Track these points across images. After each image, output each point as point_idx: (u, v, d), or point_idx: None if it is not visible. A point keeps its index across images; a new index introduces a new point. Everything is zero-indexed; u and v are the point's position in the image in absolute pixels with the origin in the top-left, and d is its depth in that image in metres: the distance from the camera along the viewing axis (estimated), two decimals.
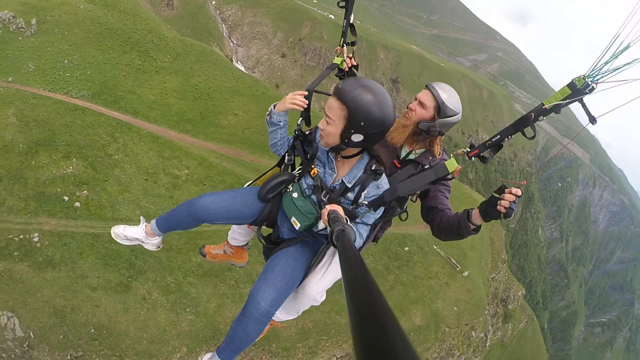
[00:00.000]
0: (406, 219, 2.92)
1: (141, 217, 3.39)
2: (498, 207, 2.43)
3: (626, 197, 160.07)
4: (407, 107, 3.06)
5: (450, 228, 2.82)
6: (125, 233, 3.25)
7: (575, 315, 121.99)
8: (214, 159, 26.30)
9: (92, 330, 15.19)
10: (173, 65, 35.37)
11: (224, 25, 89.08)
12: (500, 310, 37.20)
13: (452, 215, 2.86)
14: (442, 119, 2.92)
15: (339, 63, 3.24)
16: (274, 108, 2.95)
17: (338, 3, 3.21)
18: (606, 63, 2.05)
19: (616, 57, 2.00)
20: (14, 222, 17.34)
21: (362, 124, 2.36)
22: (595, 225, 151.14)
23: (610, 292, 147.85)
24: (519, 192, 2.39)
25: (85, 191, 19.64)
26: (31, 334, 14.59)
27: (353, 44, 3.29)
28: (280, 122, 2.98)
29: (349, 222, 2.40)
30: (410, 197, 2.95)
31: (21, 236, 16.89)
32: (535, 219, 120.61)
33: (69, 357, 14.54)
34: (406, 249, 26.70)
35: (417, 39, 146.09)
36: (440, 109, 2.90)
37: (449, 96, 2.92)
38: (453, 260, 28.75)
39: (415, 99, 3.02)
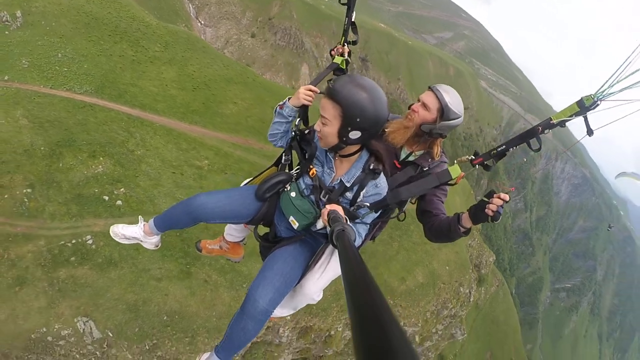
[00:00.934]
0: (404, 219, 2.98)
1: (139, 217, 3.51)
2: (486, 210, 2.61)
3: (587, 170, 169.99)
4: (410, 108, 3.14)
5: (442, 231, 2.97)
6: (124, 232, 3.34)
7: (541, 281, 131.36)
8: (227, 148, 26.99)
9: (165, 318, 16.13)
10: (165, 54, 35.25)
11: (190, 5, 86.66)
12: (475, 274, 40.91)
13: (444, 219, 3.00)
14: (445, 122, 2.99)
15: (339, 63, 3.27)
16: (289, 101, 2.99)
17: (340, 0, 3.28)
18: (616, 84, 2.24)
19: (625, 79, 2.19)
20: (61, 227, 17.51)
21: (357, 120, 2.44)
22: (558, 197, 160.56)
23: (574, 259, 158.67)
24: (507, 198, 2.59)
25: (122, 189, 20.03)
26: (109, 333, 15.28)
27: (354, 43, 3.33)
28: (291, 116, 3.04)
29: (348, 222, 2.42)
30: (408, 200, 2.97)
31: (73, 241, 17.14)
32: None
33: (146, 347, 15.48)
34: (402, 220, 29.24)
35: (383, 17, 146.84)
36: (444, 111, 2.96)
37: (452, 99, 2.98)
38: None
39: (418, 100, 3.09)
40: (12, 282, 15.48)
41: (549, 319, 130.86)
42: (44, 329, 14.89)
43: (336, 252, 2.74)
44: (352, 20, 3.23)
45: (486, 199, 2.64)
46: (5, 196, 17.45)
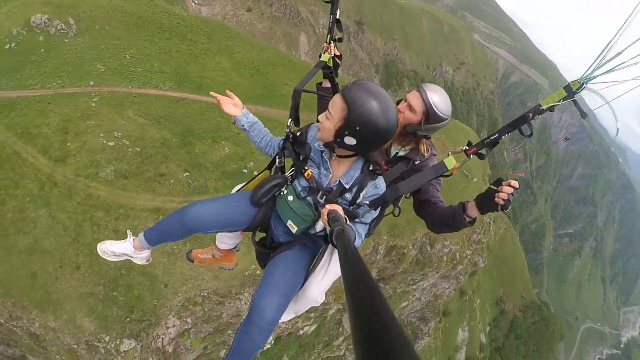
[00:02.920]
0: (399, 215, 2.96)
1: (128, 231, 3.45)
2: (496, 199, 2.59)
3: (586, 119, 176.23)
4: (396, 108, 2.97)
5: (446, 222, 2.96)
6: (113, 249, 3.28)
7: (544, 228, 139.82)
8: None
9: None
10: (212, 46, 38.03)
11: None
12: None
13: (447, 208, 2.99)
14: (430, 125, 3.01)
15: (326, 61, 3.34)
16: (233, 116, 3.12)
17: None
18: (600, 67, 2.31)
19: (610, 63, 2.28)
20: None
21: (357, 128, 2.45)
22: (557, 146, 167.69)
23: (575, 205, 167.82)
24: (517, 185, 2.58)
25: (251, 162, 23.61)
26: None
27: (340, 40, 3.39)
28: (243, 126, 3.13)
29: (348, 222, 2.46)
30: (403, 195, 2.94)
31: None
32: (500, 142, 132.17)
33: None
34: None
35: None
36: (429, 114, 2.98)
37: (440, 101, 2.99)
38: (465, 172, 38.22)
39: (405, 101, 3.09)
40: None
41: (554, 264, 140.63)
42: (253, 267, 20.12)
43: (336, 254, 2.79)
44: (337, 18, 3.32)
45: (495, 187, 2.64)
46: (172, 181, 20.88)
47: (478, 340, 57.38)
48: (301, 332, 26.41)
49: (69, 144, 21.11)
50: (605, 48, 2.25)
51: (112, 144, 21.48)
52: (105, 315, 16.98)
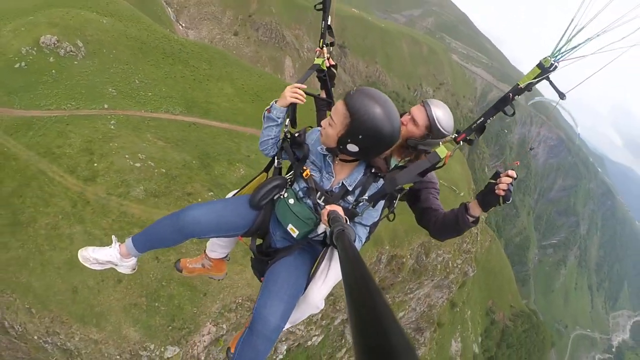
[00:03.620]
0: (393, 219, 2.98)
1: (113, 237, 3.24)
2: (497, 191, 2.61)
3: (562, 131, 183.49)
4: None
5: (448, 226, 2.97)
6: (96, 256, 3.08)
7: (528, 240, 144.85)
8: None
9: None
10: (213, 72, 39.69)
11: (169, 9, 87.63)
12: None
13: (448, 212, 3.01)
14: (432, 140, 3.04)
15: (320, 63, 3.38)
16: (275, 103, 3.01)
17: (315, 6, 3.40)
18: (567, 42, 2.34)
19: (572, 39, 2.33)
20: None
21: (360, 136, 2.50)
22: (536, 159, 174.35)
23: (557, 216, 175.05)
24: (514, 174, 2.61)
25: None
26: None
27: (332, 44, 3.42)
28: (279, 118, 3.02)
29: (348, 222, 2.45)
30: (398, 195, 2.93)
31: None
32: (481, 159, 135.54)
33: None
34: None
35: (352, 0, 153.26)
36: (432, 129, 3.04)
37: (443, 116, 3.05)
38: (453, 187, 40.40)
39: (409, 113, 3.15)
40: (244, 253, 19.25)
41: (540, 275, 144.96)
42: None
43: (336, 258, 2.76)
44: (328, 23, 3.39)
45: (493, 181, 2.67)
46: (199, 200, 21.95)
47: (471, 351, 59.43)
48: (309, 343, 27.54)
49: (95, 164, 22.42)
50: (570, 24, 2.30)
51: (138, 164, 22.86)
52: (149, 324, 18.12)
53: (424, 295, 41.07)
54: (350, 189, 2.76)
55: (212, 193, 23.30)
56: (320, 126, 2.76)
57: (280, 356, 25.22)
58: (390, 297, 35.09)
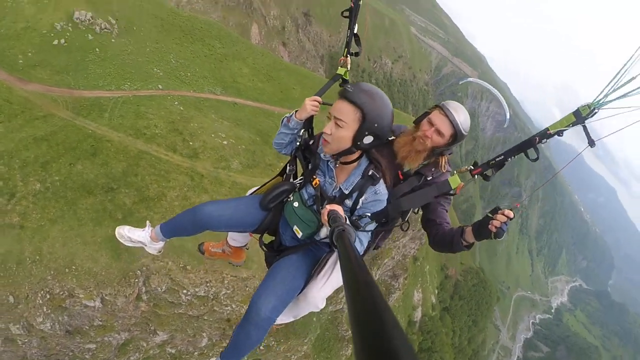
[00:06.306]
0: (407, 229, 3.24)
1: (147, 222, 3.84)
2: (489, 226, 2.78)
3: (510, 108, 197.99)
4: (416, 124, 3.32)
5: (444, 242, 3.21)
6: (130, 235, 3.70)
7: (474, 207, 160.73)
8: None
9: None
10: (226, 50, 43.11)
11: None
12: None
13: (448, 230, 3.22)
14: (456, 143, 3.27)
15: (342, 74, 3.52)
16: (295, 115, 3.28)
17: (342, 13, 3.50)
18: (613, 90, 2.35)
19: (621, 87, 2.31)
20: None
21: (375, 125, 2.72)
22: (484, 133, 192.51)
23: (501, 186, 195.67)
24: (511, 215, 2.77)
25: None
26: None
27: (357, 54, 3.55)
28: (296, 129, 3.31)
29: (348, 222, 2.61)
30: (411, 211, 3.17)
31: None
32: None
33: None
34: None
35: None
36: (457, 136, 3.20)
37: (465, 120, 3.20)
38: None
39: (430, 123, 3.21)
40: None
41: (483, 241, 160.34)
42: None
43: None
44: (355, 32, 3.47)
45: (490, 215, 2.80)
46: (278, 169, 27.78)
47: (430, 301, 69.95)
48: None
49: (191, 143, 27.26)
50: (617, 73, 2.25)
51: (225, 142, 28.02)
52: None
53: (401, 245, 48.33)
54: (346, 192, 2.98)
55: (282, 164, 28.83)
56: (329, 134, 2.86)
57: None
58: (382, 244, 41.74)
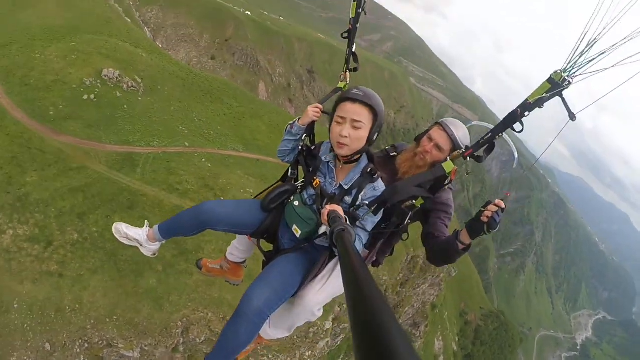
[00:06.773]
0: (407, 239, 3.27)
1: (145, 221, 3.80)
2: (481, 217, 2.78)
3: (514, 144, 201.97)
4: (417, 140, 3.48)
5: (441, 251, 3.19)
6: (127, 232, 3.62)
7: (487, 250, 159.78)
8: None
9: None
10: (245, 109, 45.40)
11: (146, 29, 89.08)
12: None
13: (444, 238, 3.23)
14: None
15: (342, 87, 3.62)
16: (298, 121, 3.40)
17: (342, 34, 3.64)
18: (581, 55, 2.33)
19: (589, 49, 2.28)
20: None
21: (382, 123, 2.93)
22: (490, 174, 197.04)
23: (512, 227, 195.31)
24: (502, 204, 2.78)
25: None
26: None
27: (355, 70, 3.68)
28: (298, 135, 3.41)
29: (348, 222, 2.57)
30: (410, 213, 3.13)
31: None
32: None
33: None
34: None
35: (316, 24, 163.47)
36: (456, 149, 3.23)
37: (463, 135, 3.34)
38: None
39: (430, 139, 3.37)
40: None
41: (500, 282, 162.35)
42: None
43: (338, 269, 2.91)
44: (353, 51, 3.60)
45: (482, 209, 2.81)
46: None
47: (451, 349, 68.44)
48: None
49: (222, 198, 27.77)
50: (580, 38, 2.26)
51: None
52: None
53: (421, 292, 48.61)
54: (346, 187, 3.01)
55: None
56: (345, 136, 2.87)
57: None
58: (403, 292, 42.88)
